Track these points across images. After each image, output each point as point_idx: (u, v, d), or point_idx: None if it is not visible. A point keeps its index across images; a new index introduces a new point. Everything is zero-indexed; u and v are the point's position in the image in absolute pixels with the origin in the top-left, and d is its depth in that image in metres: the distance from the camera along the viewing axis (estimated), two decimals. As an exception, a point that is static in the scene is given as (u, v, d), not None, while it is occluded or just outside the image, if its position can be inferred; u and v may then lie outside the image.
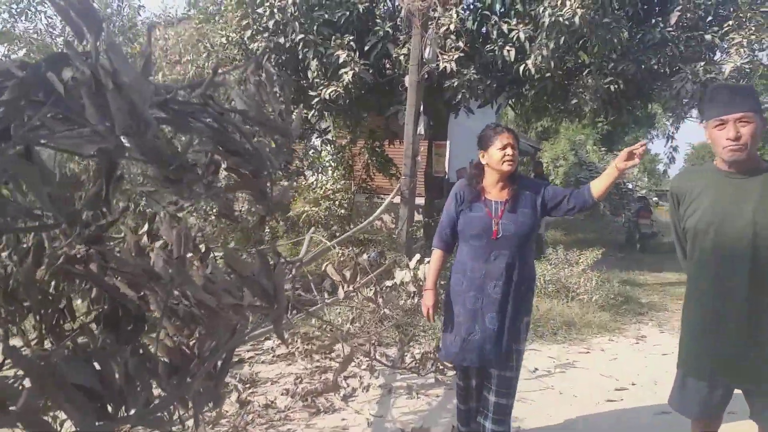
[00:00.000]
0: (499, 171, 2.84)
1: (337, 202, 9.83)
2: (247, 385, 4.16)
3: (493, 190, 2.90)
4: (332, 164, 9.85)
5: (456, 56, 7.28)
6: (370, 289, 5.03)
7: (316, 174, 9.63)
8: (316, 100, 7.73)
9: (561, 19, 7.00)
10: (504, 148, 2.82)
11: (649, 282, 9.15)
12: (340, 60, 7.27)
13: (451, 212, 2.95)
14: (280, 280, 1.80)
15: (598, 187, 2.82)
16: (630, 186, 16.71)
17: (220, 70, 1.39)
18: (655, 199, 22.96)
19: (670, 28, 7.83)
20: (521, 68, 7.58)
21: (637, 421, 3.91)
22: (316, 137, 9.93)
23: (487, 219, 2.82)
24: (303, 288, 4.95)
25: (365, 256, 6.52)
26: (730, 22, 7.57)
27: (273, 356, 4.88)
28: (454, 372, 3.18)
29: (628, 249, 12.58)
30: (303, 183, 10.35)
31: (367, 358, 4.24)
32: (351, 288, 4.20)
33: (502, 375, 2.86)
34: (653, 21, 8.12)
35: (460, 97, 7.76)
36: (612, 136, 27.85)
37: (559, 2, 7.02)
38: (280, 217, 9.78)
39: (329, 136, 10.43)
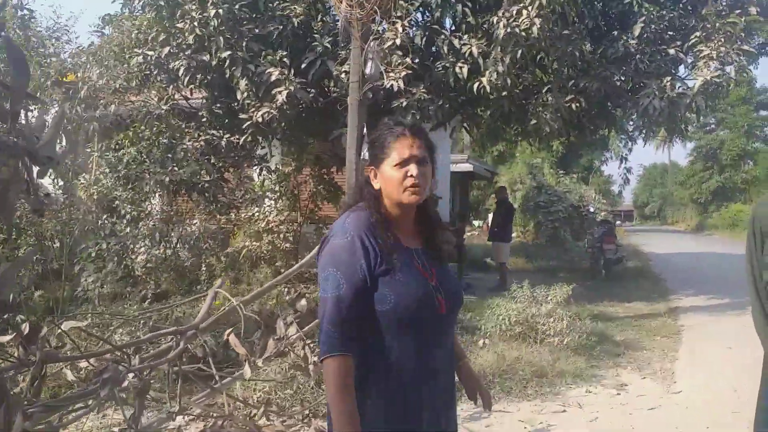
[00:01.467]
0: (397, 202, 1.80)
1: (281, 235, 8.88)
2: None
3: (403, 231, 1.84)
4: (270, 195, 8.92)
5: (404, 74, 6.51)
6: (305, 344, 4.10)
7: (255, 205, 8.70)
8: (248, 123, 6.81)
9: (518, 30, 6.32)
10: (404, 163, 1.76)
11: (620, 315, 8.46)
12: (272, 78, 6.40)
13: (357, 278, 1.69)
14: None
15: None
16: (591, 209, 16.23)
17: None
18: (618, 222, 22.66)
19: (634, 41, 7.27)
20: (475, 86, 6.86)
21: None
22: (255, 165, 8.98)
23: (426, 284, 1.77)
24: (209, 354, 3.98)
25: (303, 302, 5.57)
26: (698, 34, 7.05)
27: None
28: None
29: (593, 276, 11.96)
30: (243, 216, 9.39)
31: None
32: (267, 356, 3.27)
33: None
34: (615, 34, 7.56)
35: (410, 119, 6.95)
36: (567, 159, 27.77)
37: (514, 12, 6.35)
38: (220, 253, 8.79)
39: (271, 164, 9.50)
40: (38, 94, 6.34)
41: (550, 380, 5.34)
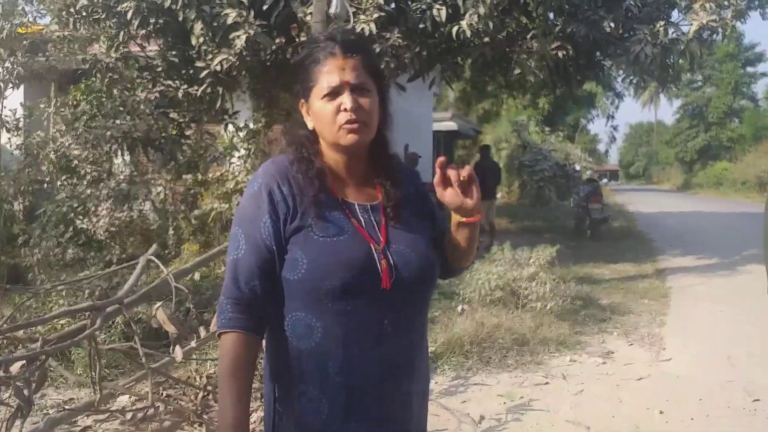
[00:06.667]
0: (333, 144, 1.34)
1: (251, 196, 8.33)
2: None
3: (347, 182, 1.38)
4: (238, 153, 8.35)
5: (375, 16, 5.94)
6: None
7: (217, 164, 8.12)
8: (205, 72, 6.21)
9: (500, -34, 5.75)
10: (335, 93, 1.30)
11: (606, 277, 8.09)
12: (230, 20, 5.78)
13: (259, 238, 1.30)
14: None
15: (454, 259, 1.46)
16: (577, 168, 15.80)
17: None
18: (604, 180, 22.31)
19: (625, -18, 6.72)
20: (454, 30, 6.28)
21: None
22: (221, 121, 8.36)
23: (362, 245, 1.31)
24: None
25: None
26: (694, -27, 6.51)
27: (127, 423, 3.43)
28: None
29: (579, 236, 11.60)
30: (211, 176, 8.82)
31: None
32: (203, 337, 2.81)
33: None
34: (605, -25, 6.99)
35: (383, 67, 6.40)
36: (553, 117, 27.21)
37: (497, -54, 5.77)
38: (188, 215, 8.26)
39: (240, 121, 8.86)
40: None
41: (532, 348, 4.95)
